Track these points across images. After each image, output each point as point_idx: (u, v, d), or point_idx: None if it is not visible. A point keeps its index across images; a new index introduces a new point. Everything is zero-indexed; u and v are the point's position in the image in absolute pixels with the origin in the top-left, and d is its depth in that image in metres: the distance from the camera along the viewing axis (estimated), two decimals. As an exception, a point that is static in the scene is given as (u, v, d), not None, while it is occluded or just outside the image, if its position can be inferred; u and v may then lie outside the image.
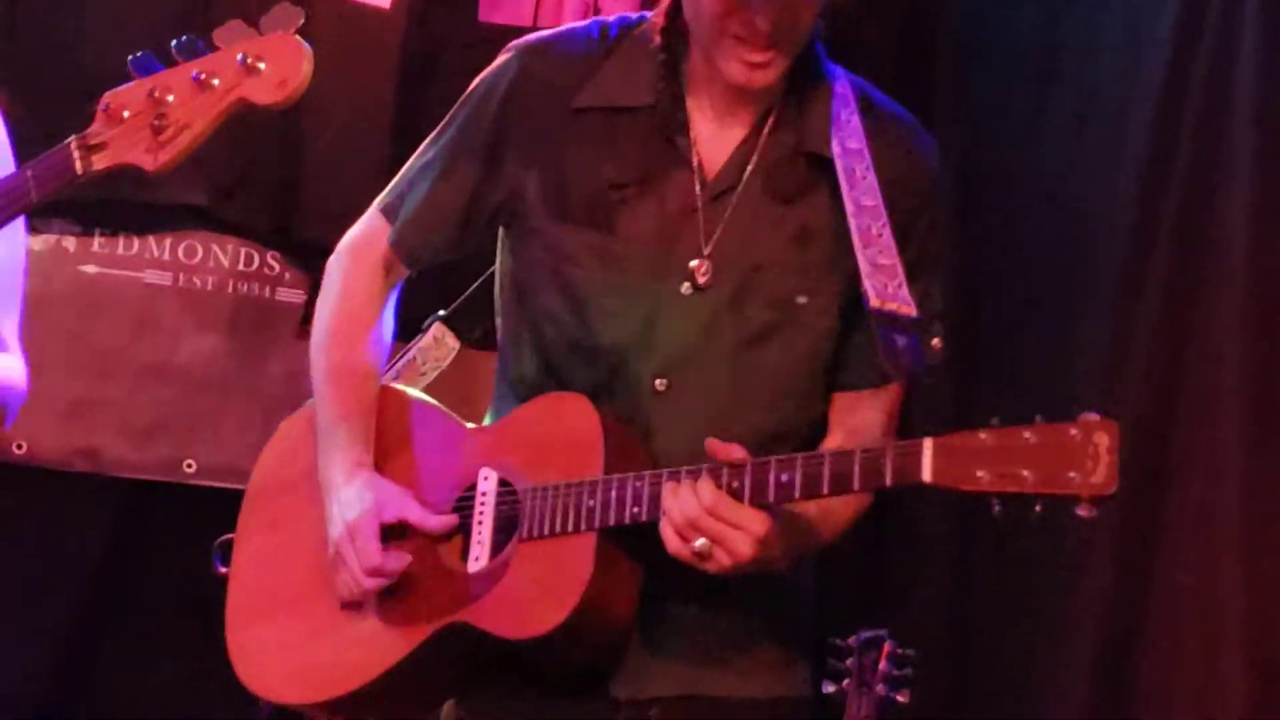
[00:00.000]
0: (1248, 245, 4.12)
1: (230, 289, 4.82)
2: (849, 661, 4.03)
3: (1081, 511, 2.59)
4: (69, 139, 2.87)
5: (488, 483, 3.04)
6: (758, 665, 3.08)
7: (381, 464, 3.13)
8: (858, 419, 3.05)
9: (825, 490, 2.77)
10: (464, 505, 3.06)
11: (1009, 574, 4.70)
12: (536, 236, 3.08)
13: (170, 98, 2.79)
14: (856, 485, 2.76)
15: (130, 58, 2.85)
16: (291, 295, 4.85)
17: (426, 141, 3.23)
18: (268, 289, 4.85)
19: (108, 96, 2.85)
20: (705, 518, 2.82)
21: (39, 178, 2.88)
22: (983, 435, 2.64)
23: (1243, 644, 4.01)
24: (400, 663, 3.03)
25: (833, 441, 3.04)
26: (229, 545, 3.34)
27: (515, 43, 3.19)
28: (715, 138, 3.06)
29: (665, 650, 3.03)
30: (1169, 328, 4.29)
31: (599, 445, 2.95)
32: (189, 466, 4.77)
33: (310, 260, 4.83)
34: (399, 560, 3.03)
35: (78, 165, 2.84)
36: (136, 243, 4.75)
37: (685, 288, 3.02)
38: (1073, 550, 4.44)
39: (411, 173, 3.21)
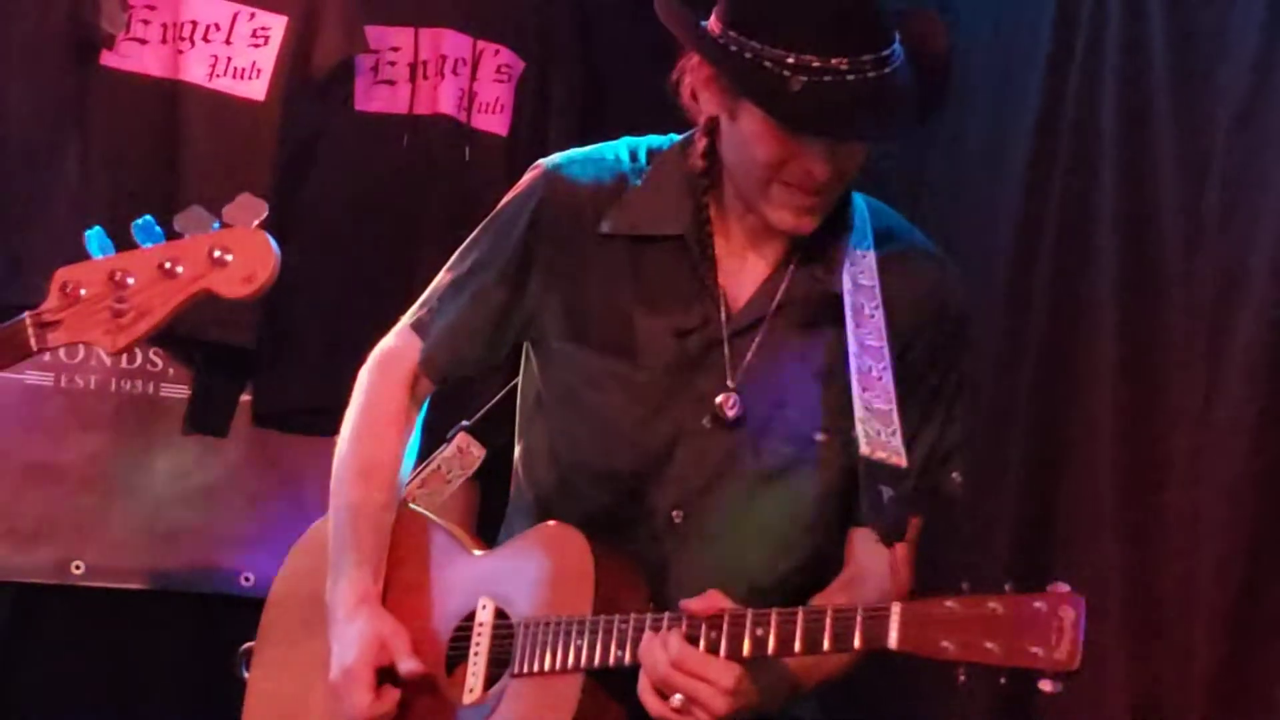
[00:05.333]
0: (1116, 308, 4.18)
1: (113, 387, 4.77)
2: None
3: (1045, 686, 2.60)
4: (23, 314, 2.87)
5: (485, 613, 3.06)
6: None
7: (391, 586, 3.15)
8: (870, 558, 3.02)
9: (797, 650, 2.76)
10: (464, 632, 3.07)
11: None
12: (559, 358, 3.10)
13: (131, 280, 2.81)
14: (827, 647, 2.74)
15: (86, 233, 2.86)
16: (175, 391, 4.81)
17: (457, 254, 3.24)
18: (151, 386, 4.80)
19: (63, 273, 2.86)
20: (673, 673, 2.81)
21: None
22: (949, 604, 2.64)
23: (1125, 653, 4.05)
24: None
25: (839, 581, 3.03)
26: (250, 653, 3.36)
27: (542, 162, 3.19)
28: (740, 272, 3.06)
29: None
30: (1042, 399, 4.33)
31: (590, 582, 2.95)
32: (77, 568, 4.71)
33: (194, 356, 4.81)
34: (386, 707, 3.03)
35: (32, 342, 2.85)
36: (18, 344, 4.71)
37: (706, 421, 3.02)
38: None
39: (441, 289, 3.24)
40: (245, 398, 4.85)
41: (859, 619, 2.70)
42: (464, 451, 3.43)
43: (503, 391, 3.38)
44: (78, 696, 4.74)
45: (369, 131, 4.88)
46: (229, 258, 2.79)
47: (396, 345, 3.27)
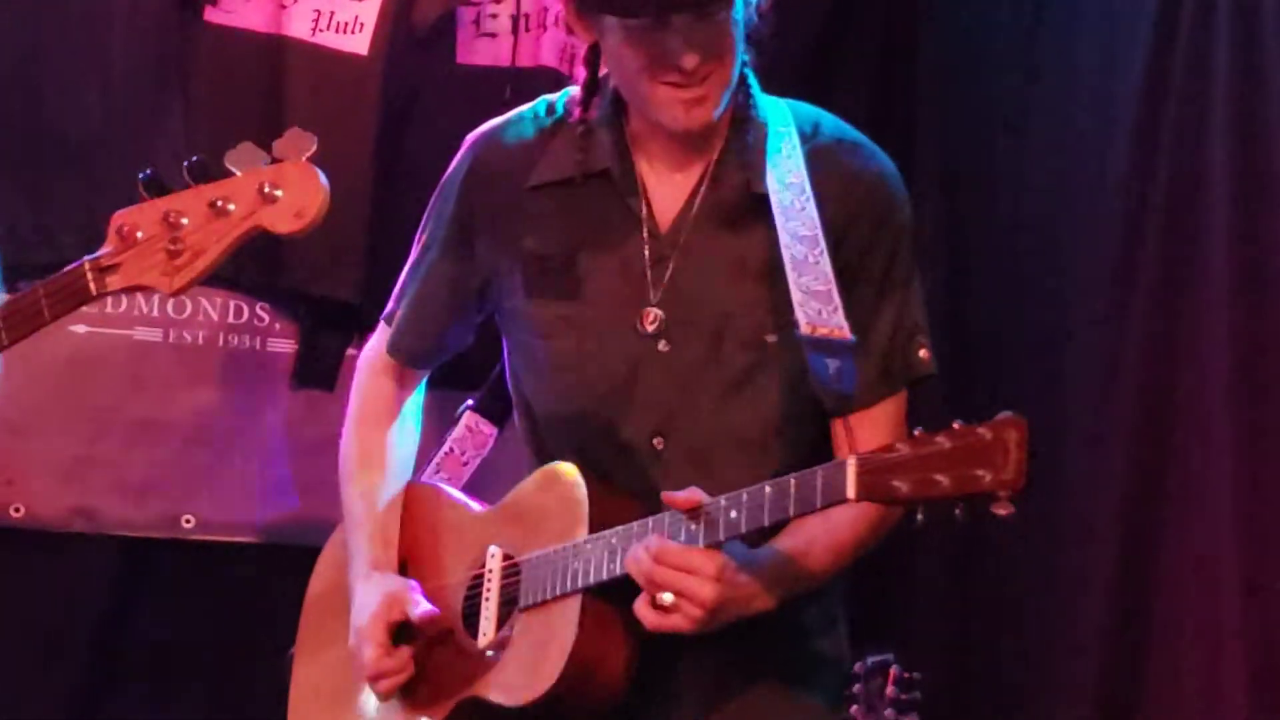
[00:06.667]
0: (1231, 243, 4.15)
1: (221, 342, 4.80)
2: (856, 687, 4.05)
3: (1000, 510, 2.65)
4: (82, 260, 2.89)
5: (494, 560, 3.15)
6: (775, 711, 3.14)
7: (409, 557, 3.25)
8: (857, 444, 3.06)
9: (766, 520, 2.85)
10: (478, 584, 3.17)
11: (1010, 595, 4.70)
12: (515, 318, 3.20)
13: (185, 221, 2.83)
14: (792, 511, 2.82)
15: (140, 176, 2.87)
16: (283, 345, 4.84)
17: (413, 245, 3.35)
18: (258, 340, 4.83)
19: (119, 217, 2.89)
20: (657, 568, 2.90)
21: (52, 298, 2.91)
22: (900, 447, 2.72)
23: (1243, 659, 4.02)
24: None
25: None
26: (293, 659, 3.46)
27: (469, 135, 3.30)
28: (665, 193, 3.14)
29: (674, 708, 3.11)
30: (1159, 332, 4.30)
31: (583, 508, 3.04)
32: (188, 522, 4.75)
33: (299, 310, 4.84)
34: (397, 662, 3.13)
35: (92, 287, 2.87)
36: (125, 300, 4.72)
37: (663, 345, 3.09)
38: (1072, 570, 4.45)
39: (403, 277, 3.35)
40: (352, 351, 4.87)
41: (819, 478, 2.79)
42: (474, 431, 3.52)
43: (498, 367, 3.43)
44: (188, 649, 4.78)
45: (471, 85, 4.87)
46: (279, 193, 2.81)
47: (374, 341, 3.42)
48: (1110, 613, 4.36)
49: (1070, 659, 4.46)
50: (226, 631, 4.80)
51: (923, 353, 3.12)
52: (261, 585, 4.81)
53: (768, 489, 2.83)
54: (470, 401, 3.53)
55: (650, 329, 3.08)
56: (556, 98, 3.24)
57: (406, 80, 4.84)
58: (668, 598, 2.88)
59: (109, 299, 4.62)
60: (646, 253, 3.10)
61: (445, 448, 3.48)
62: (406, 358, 3.34)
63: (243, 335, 4.82)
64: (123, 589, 4.76)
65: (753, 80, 3.14)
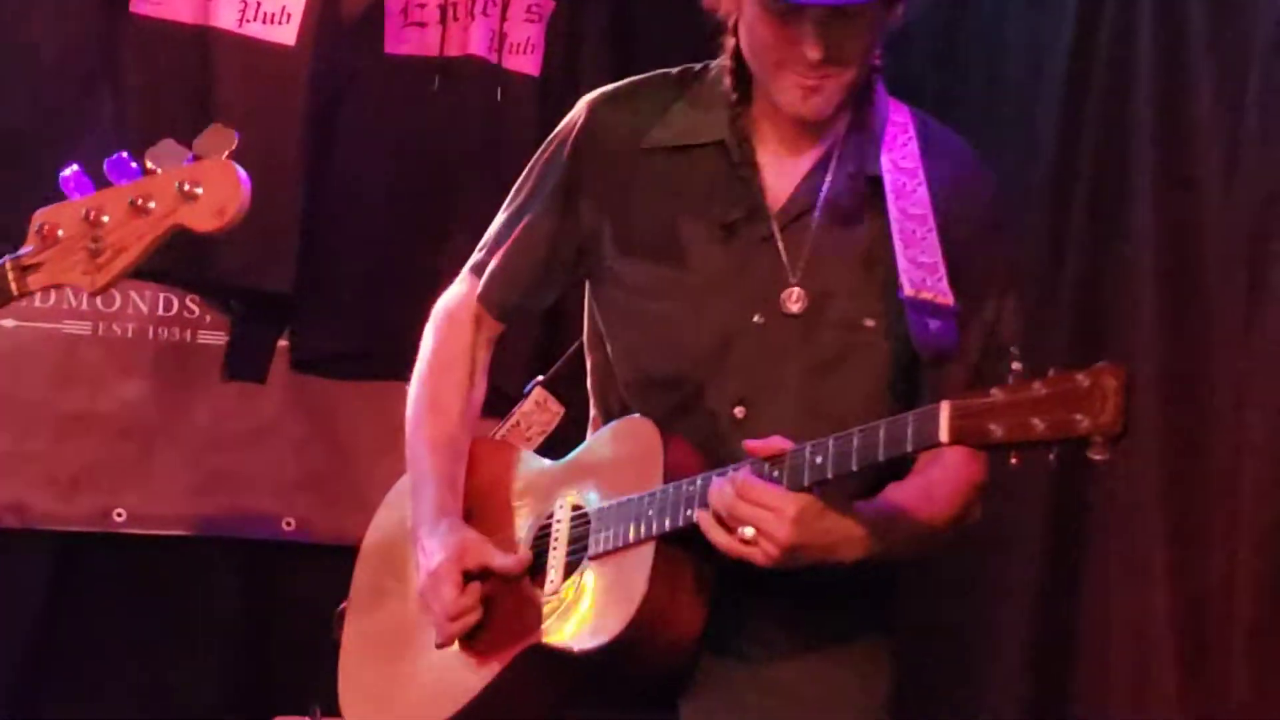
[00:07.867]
0: (1156, 230, 4.17)
1: (150, 335, 4.79)
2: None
3: (1095, 455, 2.62)
4: (3, 259, 2.88)
5: (562, 510, 3.15)
6: (831, 695, 3.12)
7: (472, 508, 3.23)
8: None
9: (854, 465, 2.84)
10: (545, 534, 3.16)
11: (940, 579, 4.72)
12: (612, 276, 3.20)
13: (105, 219, 2.81)
14: (881, 455, 2.81)
15: (61, 175, 2.87)
16: (213, 338, 4.83)
17: (510, 194, 3.33)
18: (188, 333, 4.82)
19: (40, 216, 2.86)
20: (739, 503, 2.88)
21: None
22: (995, 392, 2.70)
23: (1171, 624, 4.05)
24: (483, 691, 3.11)
25: (916, 466, 3.06)
26: (343, 614, 3.42)
27: (587, 95, 3.29)
28: (781, 172, 3.14)
29: (736, 675, 3.07)
30: (1084, 324, 4.32)
31: (659, 460, 3.03)
32: (119, 516, 4.74)
33: (230, 302, 4.82)
34: (471, 599, 3.11)
35: (13, 286, 2.86)
36: (53, 293, 4.70)
37: (758, 317, 3.09)
38: (1002, 552, 4.46)
39: (496, 228, 3.33)
40: (282, 343, 4.86)
41: (910, 421, 2.78)
42: (542, 407, 3.53)
43: (575, 346, 3.43)
44: (120, 643, 4.77)
45: (400, 75, 4.87)
46: (199, 191, 2.79)
47: (458, 289, 3.37)
48: (1040, 591, 4.38)
49: (1000, 638, 4.48)
50: (159, 624, 4.79)
51: (1015, 365, 2.97)
52: (193, 578, 4.81)
53: (856, 434, 2.83)
54: (540, 378, 3.52)
55: (796, 307, 3.09)
56: (677, 70, 3.25)
57: (334, 70, 4.83)
58: (749, 532, 2.87)
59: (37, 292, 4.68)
60: (753, 228, 3.12)
61: (512, 420, 3.48)
62: (496, 308, 3.32)
63: (172, 328, 4.81)
64: (55, 584, 4.74)
65: (880, 84, 3.17)
